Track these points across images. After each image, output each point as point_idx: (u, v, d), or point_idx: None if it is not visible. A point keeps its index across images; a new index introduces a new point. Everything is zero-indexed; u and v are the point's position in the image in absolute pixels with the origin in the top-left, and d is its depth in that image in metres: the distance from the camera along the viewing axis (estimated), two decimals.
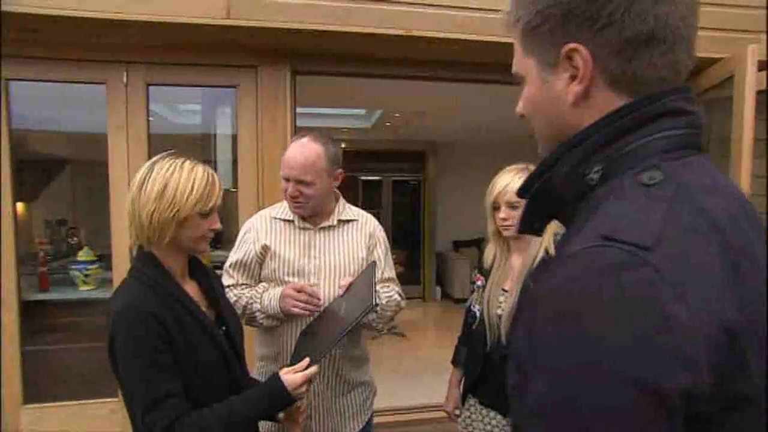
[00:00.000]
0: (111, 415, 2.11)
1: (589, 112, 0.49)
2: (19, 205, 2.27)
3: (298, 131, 2.14)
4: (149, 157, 1.06)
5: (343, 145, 5.96)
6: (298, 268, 1.43)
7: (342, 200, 1.55)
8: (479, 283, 1.58)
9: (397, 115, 4.84)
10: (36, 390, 2.13)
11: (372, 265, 1.37)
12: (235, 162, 2.26)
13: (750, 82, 2.02)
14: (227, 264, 1.49)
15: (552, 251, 1.42)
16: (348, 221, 1.52)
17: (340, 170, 1.47)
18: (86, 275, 2.38)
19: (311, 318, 1.38)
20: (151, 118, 2.18)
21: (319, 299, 1.35)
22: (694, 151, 0.48)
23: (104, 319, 1.01)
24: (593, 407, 0.37)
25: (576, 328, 0.38)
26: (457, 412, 1.64)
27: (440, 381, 1.91)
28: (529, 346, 0.42)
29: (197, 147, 2.88)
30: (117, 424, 2.05)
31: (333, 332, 1.22)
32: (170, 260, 1.07)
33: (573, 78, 0.49)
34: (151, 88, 2.15)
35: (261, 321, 1.42)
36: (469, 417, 1.57)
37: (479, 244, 6.37)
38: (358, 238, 1.50)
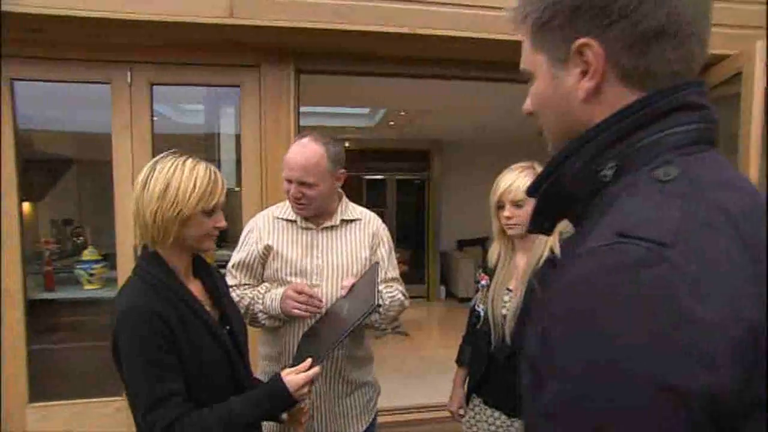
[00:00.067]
0: (116, 413, 2.12)
1: (601, 107, 0.48)
2: (25, 205, 2.28)
3: (301, 130, 2.14)
4: (153, 157, 1.06)
5: (346, 144, 5.99)
6: (300, 268, 1.43)
7: (345, 199, 1.55)
8: (483, 282, 1.57)
9: (401, 113, 4.83)
10: (41, 388, 2.14)
11: (375, 266, 1.36)
12: (238, 161, 2.27)
13: (758, 78, 2.00)
14: (230, 264, 1.49)
15: (557, 250, 1.41)
16: (351, 221, 1.51)
17: (342, 170, 1.46)
18: (91, 274, 2.39)
19: (313, 319, 1.37)
20: (155, 118, 2.19)
21: (320, 301, 1.35)
22: (708, 146, 0.47)
23: (109, 318, 1.02)
24: (609, 407, 0.36)
25: (592, 326, 0.38)
26: (462, 412, 1.63)
27: (444, 380, 1.90)
28: (542, 346, 0.42)
29: (201, 147, 2.89)
30: (122, 422, 2.06)
31: (335, 333, 1.21)
32: (174, 259, 1.07)
33: (584, 73, 0.48)
34: (155, 87, 2.15)
35: (263, 321, 1.42)
36: (474, 417, 1.56)
37: (483, 243, 6.35)
38: (361, 238, 1.50)
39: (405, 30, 1.98)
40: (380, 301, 1.24)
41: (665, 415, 0.34)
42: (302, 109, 2.39)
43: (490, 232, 1.55)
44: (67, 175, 3.09)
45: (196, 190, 1.01)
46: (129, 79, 2.10)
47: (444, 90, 3.48)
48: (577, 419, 0.38)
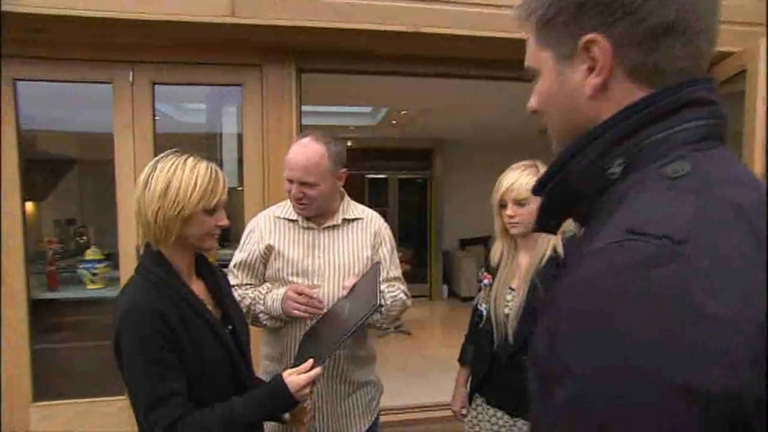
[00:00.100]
0: (119, 412, 2.12)
1: (607, 104, 0.48)
2: (29, 205, 2.29)
3: (303, 130, 2.14)
4: (155, 156, 1.06)
5: (349, 143, 5.99)
6: (302, 268, 1.43)
7: (347, 198, 1.54)
8: (486, 281, 1.56)
9: (403, 112, 4.83)
10: (45, 388, 2.15)
11: (376, 266, 1.36)
12: (240, 161, 2.26)
13: (763, 76, 1.99)
14: (232, 264, 1.49)
15: (560, 249, 1.41)
16: (353, 220, 1.51)
17: (344, 169, 1.46)
18: (94, 274, 2.40)
19: (314, 319, 1.37)
20: (157, 118, 2.19)
21: (320, 302, 1.34)
22: (717, 142, 0.46)
23: (112, 318, 1.02)
24: (622, 407, 0.35)
25: (603, 325, 0.37)
26: (464, 411, 1.63)
27: (446, 379, 1.90)
28: (550, 347, 0.41)
29: (203, 146, 2.89)
30: (125, 422, 2.07)
31: (337, 333, 1.21)
32: (177, 258, 1.06)
33: (590, 70, 0.47)
34: (156, 87, 2.15)
35: (265, 322, 1.41)
36: (476, 417, 1.55)
37: (486, 242, 6.35)
38: (363, 237, 1.49)
39: (407, 28, 1.97)
40: (382, 301, 1.24)
41: (679, 414, 0.34)
42: (304, 108, 2.39)
43: (493, 231, 1.55)
44: (69, 175, 3.10)
45: (197, 189, 1.01)
46: (131, 79, 2.10)
47: (446, 89, 3.47)
48: (588, 421, 0.37)
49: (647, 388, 0.34)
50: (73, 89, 2.24)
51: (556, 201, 0.53)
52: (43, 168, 2.79)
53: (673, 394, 0.34)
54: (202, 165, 1.04)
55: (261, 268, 1.46)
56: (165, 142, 2.13)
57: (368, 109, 5.20)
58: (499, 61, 2.18)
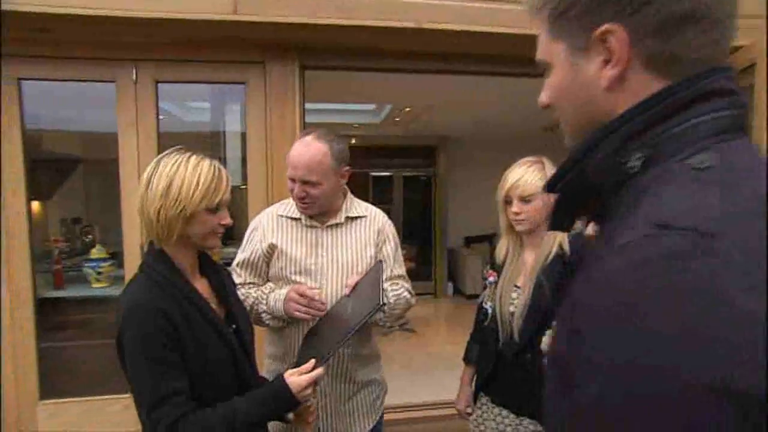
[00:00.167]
0: (124, 410, 2.13)
1: (624, 96, 0.46)
2: (35, 204, 2.30)
3: (306, 127, 2.13)
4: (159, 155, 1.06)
5: (352, 141, 5.98)
6: (305, 267, 1.42)
7: (350, 196, 1.53)
8: (491, 279, 1.55)
9: (407, 109, 4.81)
10: (51, 386, 2.16)
11: (379, 264, 1.35)
12: (244, 159, 2.26)
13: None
14: (235, 263, 1.48)
15: (566, 247, 1.39)
16: (356, 218, 1.50)
17: (347, 168, 1.44)
18: (99, 273, 2.41)
19: (317, 319, 1.36)
20: (161, 116, 2.19)
21: (322, 303, 1.33)
22: (739, 133, 0.45)
23: (116, 316, 1.01)
24: (652, 407, 0.34)
25: (633, 322, 0.35)
26: (469, 410, 1.62)
27: (451, 377, 1.89)
28: (574, 346, 0.40)
29: (207, 144, 2.89)
30: (131, 420, 2.06)
31: (339, 333, 1.20)
32: (180, 256, 1.06)
33: (606, 62, 0.46)
34: (160, 85, 2.15)
35: (267, 322, 1.41)
36: (481, 416, 1.54)
37: (491, 239, 6.32)
38: (366, 235, 1.48)
39: (411, 24, 1.96)
40: (384, 300, 1.23)
41: (715, 418, 0.32)
42: (308, 106, 2.38)
43: (498, 228, 1.53)
44: (74, 174, 3.11)
45: (200, 187, 1.00)
46: (134, 77, 2.10)
47: (449, 85, 3.45)
48: (615, 420, 0.36)
49: (678, 386, 0.33)
50: (77, 89, 2.24)
51: (571, 197, 0.52)
52: (49, 167, 2.80)
53: (704, 392, 0.32)
54: (206, 163, 1.03)
55: (264, 266, 1.46)
56: (169, 141, 2.13)
57: (372, 107, 5.18)
58: (505, 56, 2.16)
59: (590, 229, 1.34)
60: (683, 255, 0.35)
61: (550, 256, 1.39)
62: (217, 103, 2.91)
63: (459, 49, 2.22)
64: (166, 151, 1.05)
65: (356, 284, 1.35)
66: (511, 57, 2.12)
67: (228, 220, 1.08)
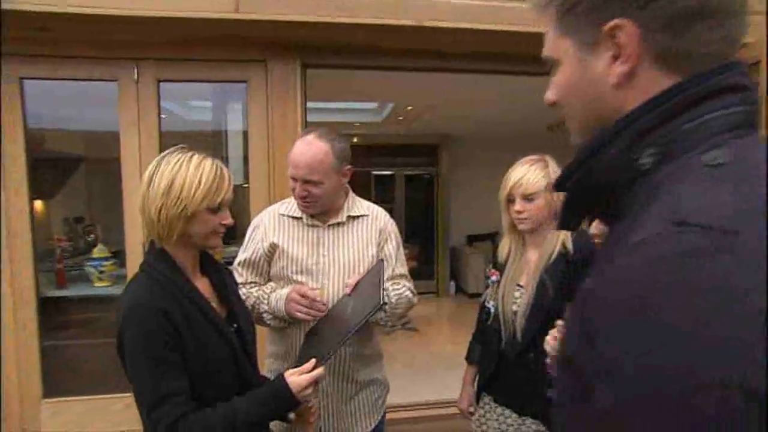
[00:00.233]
0: (126, 409, 2.13)
1: (633, 93, 0.46)
2: (37, 203, 2.30)
3: (308, 126, 2.12)
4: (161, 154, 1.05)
5: (354, 140, 5.97)
6: (306, 266, 1.41)
7: (351, 195, 1.52)
8: (494, 278, 1.54)
9: (408, 108, 4.80)
10: (54, 385, 2.17)
11: (380, 263, 1.34)
12: (246, 158, 2.26)
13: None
14: (236, 262, 1.48)
15: (569, 245, 1.38)
16: (358, 217, 1.49)
17: (348, 166, 1.44)
18: (101, 272, 2.41)
19: (317, 319, 1.36)
20: (162, 115, 2.19)
21: (323, 304, 1.33)
22: (752, 129, 0.44)
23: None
24: (672, 406, 0.33)
25: (650, 319, 0.35)
26: (472, 410, 1.61)
27: (453, 376, 1.88)
28: (589, 345, 0.39)
29: (209, 143, 2.89)
30: (133, 419, 2.05)
31: (339, 333, 1.19)
32: (181, 255, 1.06)
33: (615, 58, 0.45)
34: (162, 84, 2.15)
35: (269, 322, 1.41)
36: (484, 416, 1.54)
37: (494, 238, 6.31)
38: (368, 235, 1.48)
39: (413, 23, 1.95)
40: (385, 299, 1.22)
41: (727, 413, 0.32)
42: (309, 105, 2.38)
43: (500, 227, 1.53)
44: (77, 173, 3.12)
45: (201, 187, 1.00)
46: (135, 76, 2.10)
47: (453, 83, 3.44)
48: (635, 419, 0.35)
49: (693, 383, 0.33)
50: (79, 88, 2.24)
51: (580, 196, 0.51)
52: (51, 166, 2.80)
53: (718, 389, 0.32)
54: (208, 162, 1.03)
55: (265, 266, 1.45)
56: (171, 140, 2.13)
57: (374, 106, 5.18)
58: (505, 54, 2.15)
59: (594, 227, 1.33)
60: (698, 252, 0.35)
61: (554, 255, 1.38)
62: (219, 101, 2.91)
63: (460, 47, 2.21)
64: (168, 150, 1.05)
65: (357, 283, 1.35)
66: (514, 55, 2.11)
67: (229, 220, 1.08)
